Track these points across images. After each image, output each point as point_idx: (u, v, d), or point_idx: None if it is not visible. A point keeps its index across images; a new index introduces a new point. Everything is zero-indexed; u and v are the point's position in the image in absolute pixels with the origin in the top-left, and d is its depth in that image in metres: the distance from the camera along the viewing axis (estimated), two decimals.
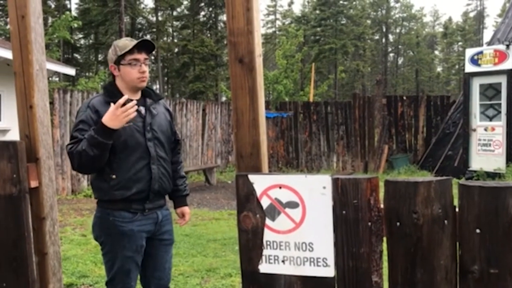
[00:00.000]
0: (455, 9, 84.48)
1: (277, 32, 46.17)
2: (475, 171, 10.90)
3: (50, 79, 16.13)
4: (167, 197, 2.78)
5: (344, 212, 1.60)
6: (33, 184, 1.98)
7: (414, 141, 13.84)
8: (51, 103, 9.77)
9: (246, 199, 1.66)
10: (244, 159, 1.71)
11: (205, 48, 25.28)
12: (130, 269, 2.55)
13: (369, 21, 40.72)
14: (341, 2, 38.30)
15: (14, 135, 8.81)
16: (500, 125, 10.68)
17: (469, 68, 11.27)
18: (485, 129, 11.01)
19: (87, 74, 30.72)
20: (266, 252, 1.68)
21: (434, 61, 50.13)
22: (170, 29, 35.44)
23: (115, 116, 2.27)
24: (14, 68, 2.06)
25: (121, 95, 2.44)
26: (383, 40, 47.98)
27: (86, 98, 10.24)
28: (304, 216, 1.63)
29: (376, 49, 45.25)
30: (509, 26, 12.84)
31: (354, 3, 39.85)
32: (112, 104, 2.32)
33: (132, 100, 2.37)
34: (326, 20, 36.12)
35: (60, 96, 9.76)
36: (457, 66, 47.11)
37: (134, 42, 2.52)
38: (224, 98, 27.48)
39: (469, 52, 11.53)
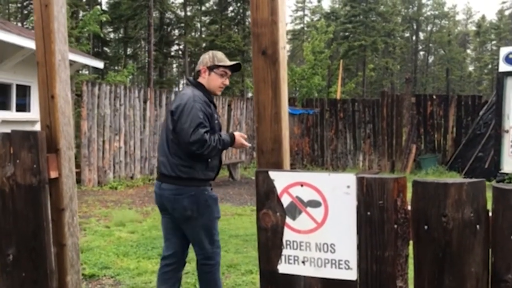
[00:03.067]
0: (489, 7, 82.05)
1: (305, 29, 45.86)
2: (506, 174, 10.56)
3: (80, 72, 16.40)
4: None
5: (368, 213, 1.52)
6: (53, 174, 1.96)
7: (443, 141, 13.50)
8: (80, 95, 9.92)
9: (266, 197, 1.60)
10: (265, 154, 1.65)
11: (232, 44, 25.22)
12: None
13: (399, 18, 39.94)
14: None
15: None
16: None
17: (503, 67, 10.89)
18: None
19: (115, 67, 31.14)
20: (285, 252, 1.62)
21: (465, 60, 48.89)
22: (198, 24, 35.58)
23: (241, 144, 3.12)
24: (37, 57, 2.04)
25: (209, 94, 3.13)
26: (414, 37, 47.04)
27: (113, 91, 10.36)
28: (326, 216, 1.56)
29: (406, 46, 44.43)
30: None
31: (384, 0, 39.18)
32: (210, 105, 3.05)
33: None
34: (356, 17, 35.56)
35: (89, 88, 9.89)
36: (490, 66, 45.79)
37: (231, 62, 3.17)
38: (250, 94, 27.47)
39: (504, 50, 11.14)
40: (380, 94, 14.71)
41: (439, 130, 13.49)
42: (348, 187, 1.54)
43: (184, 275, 3.62)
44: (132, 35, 29.72)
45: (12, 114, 9.05)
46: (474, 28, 50.83)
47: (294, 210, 1.57)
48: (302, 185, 1.56)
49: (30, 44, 7.71)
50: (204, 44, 30.44)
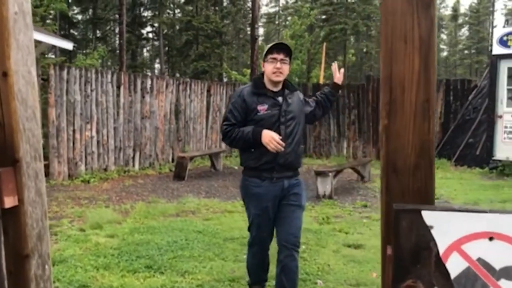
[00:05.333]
0: None
1: (281, 12, 44.88)
2: (500, 161, 10.21)
3: (46, 55, 15.21)
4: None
5: None
6: (9, 202, 1.22)
7: None
8: (46, 80, 8.95)
9: (413, 257, 0.92)
10: (401, 175, 0.99)
11: (210, 25, 24.03)
12: (259, 223, 3.27)
13: (376, 1, 39.37)
14: None
15: None
16: None
17: (497, 49, 10.47)
18: None
19: (84, 51, 29.54)
20: None
21: (439, 44, 48.92)
22: (172, 5, 34.10)
23: (269, 140, 3.04)
24: None
25: (265, 88, 3.25)
26: None
27: (84, 76, 9.44)
28: None
29: None
30: None
31: None
32: (257, 97, 3.21)
33: (283, 144, 3.07)
34: None
35: (56, 72, 8.94)
36: (466, 51, 46.01)
37: (269, 45, 3.26)
38: (226, 79, 26.56)
39: (498, 32, 10.70)
40: (366, 79, 14.17)
41: None
42: None
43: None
44: (102, 16, 28.11)
45: None
46: (447, 12, 50.96)
47: (472, 283, 0.89)
48: (491, 238, 0.88)
49: None
50: (178, 27, 29.14)
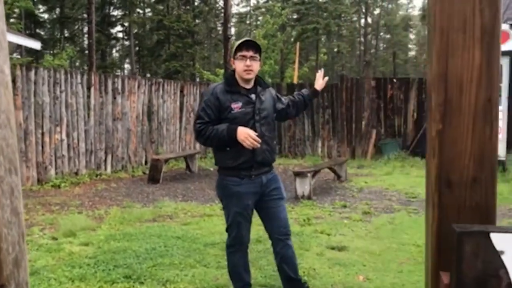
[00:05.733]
0: None
1: (252, 12, 44.75)
2: None
3: (10, 56, 14.66)
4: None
5: None
6: None
7: (403, 125, 13.22)
8: (13, 81, 8.56)
9: (478, 287, 0.81)
10: (457, 189, 0.86)
11: (181, 24, 23.61)
12: (240, 222, 3.25)
13: (347, 1, 39.73)
14: None
15: None
16: (500, 109, 10.06)
17: None
18: None
19: (52, 51, 28.66)
20: None
21: (409, 44, 49.73)
22: (142, 4, 33.44)
23: (245, 137, 3.02)
24: None
25: (238, 85, 3.23)
26: (362, 21, 47.11)
27: (52, 77, 9.09)
28: None
29: (355, 29, 44.40)
30: (505, 5, 12.28)
31: None
32: (230, 95, 3.18)
33: (259, 140, 3.07)
34: None
35: (23, 73, 8.58)
36: None
37: (238, 42, 3.23)
38: (198, 80, 26.25)
39: None
40: (339, 78, 14.22)
41: (400, 114, 13.20)
42: None
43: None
44: (70, 15, 27.30)
45: None
46: (415, 12, 51.86)
47: None
48: None
49: None
50: (148, 27, 28.54)
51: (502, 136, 9.99)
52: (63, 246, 4.89)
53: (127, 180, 9.65)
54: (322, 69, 3.80)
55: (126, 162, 10.70)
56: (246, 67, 3.15)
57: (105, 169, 10.17)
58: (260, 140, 3.07)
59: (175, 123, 12.51)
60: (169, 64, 23.57)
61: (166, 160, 10.06)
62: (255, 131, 3.12)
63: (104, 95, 10.23)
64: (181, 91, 12.84)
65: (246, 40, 3.23)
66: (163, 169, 9.56)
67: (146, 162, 11.05)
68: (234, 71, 3.27)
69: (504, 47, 10.00)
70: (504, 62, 9.99)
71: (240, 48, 3.17)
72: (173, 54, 23.95)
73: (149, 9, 32.34)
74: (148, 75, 30.79)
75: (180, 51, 23.79)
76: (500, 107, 10.08)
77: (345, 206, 6.90)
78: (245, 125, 3.11)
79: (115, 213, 6.42)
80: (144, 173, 10.34)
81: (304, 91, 3.69)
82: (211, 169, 11.30)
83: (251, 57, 3.16)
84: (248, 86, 3.26)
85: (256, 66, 3.20)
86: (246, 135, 3.02)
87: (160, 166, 9.38)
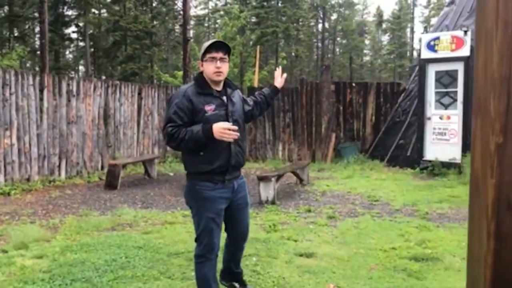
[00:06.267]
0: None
1: (211, 14, 44.41)
2: (430, 161, 10.60)
3: None
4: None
5: None
6: None
7: (362, 129, 13.40)
8: None
9: None
10: None
11: (139, 25, 22.97)
12: (212, 228, 3.15)
13: (305, 6, 40.10)
14: None
15: None
16: (455, 113, 10.42)
17: (425, 54, 10.88)
18: (441, 118, 10.71)
19: (0, 51, 27.27)
20: None
21: (364, 49, 50.87)
22: (98, 4, 32.38)
23: (222, 132, 2.94)
24: None
25: (209, 87, 3.15)
26: (320, 25, 47.70)
27: (1, 77, 8.58)
28: None
29: (313, 34, 44.84)
30: (457, 13, 12.68)
31: None
32: (203, 97, 3.10)
33: (236, 128, 3.01)
34: (268, 1, 34.79)
35: None
36: (389, 56, 48.21)
37: (208, 43, 3.14)
38: (156, 82, 25.71)
39: (426, 37, 11.14)
40: (299, 82, 14.26)
41: (359, 118, 13.37)
42: None
43: None
44: (20, 14, 26.04)
45: None
46: (370, 18, 53.20)
47: None
48: None
49: None
50: (103, 28, 27.66)
51: (457, 139, 10.28)
52: (14, 259, 4.55)
53: (82, 186, 9.24)
54: (280, 66, 3.85)
55: (81, 167, 10.26)
56: (217, 69, 3.10)
57: (59, 175, 9.70)
58: (237, 128, 3.03)
59: (133, 127, 12.14)
60: (126, 66, 22.92)
61: (124, 165, 9.71)
62: None
63: (58, 98, 9.77)
64: (139, 94, 12.48)
65: (216, 41, 3.17)
66: (121, 175, 9.21)
67: (102, 167, 10.63)
68: (201, 73, 3.21)
69: (459, 52, 10.32)
70: (459, 67, 10.30)
71: (209, 49, 3.12)
72: (130, 55, 23.30)
73: (105, 10, 31.44)
74: (104, 77, 29.83)
75: (138, 53, 23.19)
76: (455, 111, 10.39)
77: (309, 211, 6.84)
78: None
79: (71, 222, 6.08)
80: (100, 178, 9.94)
81: (265, 90, 3.71)
82: (171, 174, 11.02)
83: (221, 59, 3.12)
84: (219, 88, 3.21)
85: (225, 67, 3.17)
86: (222, 130, 2.96)
87: (118, 171, 9.03)
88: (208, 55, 3.12)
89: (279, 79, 3.69)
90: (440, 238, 5.25)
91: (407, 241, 5.16)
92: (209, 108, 3.10)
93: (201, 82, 3.18)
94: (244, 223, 3.42)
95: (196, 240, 3.26)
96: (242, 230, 3.43)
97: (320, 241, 5.21)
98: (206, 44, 3.17)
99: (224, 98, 3.20)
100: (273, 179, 7.40)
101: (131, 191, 8.72)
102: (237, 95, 3.36)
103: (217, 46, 3.14)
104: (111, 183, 8.98)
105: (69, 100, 9.97)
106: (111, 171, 9.09)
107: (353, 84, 13.76)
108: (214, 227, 3.17)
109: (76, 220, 6.23)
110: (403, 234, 5.45)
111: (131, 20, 23.35)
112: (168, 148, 13.49)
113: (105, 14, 29.46)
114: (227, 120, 3.11)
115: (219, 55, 3.12)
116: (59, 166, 9.76)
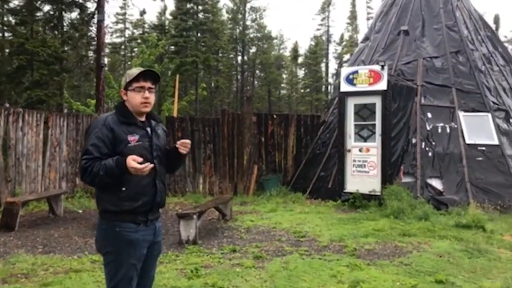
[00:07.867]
0: (300, 35, 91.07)
1: (127, 43, 43.22)
2: (351, 193, 10.60)
3: None
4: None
5: None
6: None
7: (284, 161, 13.29)
8: None
9: None
10: None
11: (47, 50, 21.44)
12: (132, 276, 2.84)
13: (226, 38, 40.44)
14: (201, 15, 37.19)
15: None
16: (374, 146, 10.58)
17: (344, 87, 11.05)
18: (360, 150, 10.83)
19: None
20: None
21: (281, 83, 52.32)
22: (1, 26, 30.00)
23: (137, 171, 2.64)
24: None
25: (133, 117, 2.91)
26: (239, 57, 48.29)
27: None
28: None
29: (233, 66, 45.20)
30: (373, 49, 13.18)
31: (214, 17, 38.86)
32: (126, 126, 2.84)
33: (151, 164, 2.70)
34: (188, 31, 34.49)
35: None
36: (305, 89, 49.92)
37: (137, 71, 2.90)
38: (66, 110, 24.11)
39: (345, 71, 11.34)
40: (221, 113, 13.93)
41: (280, 149, 13.26)
42: None
43: None
44: None
45: None
46: (286, 53, 55.07)
47: None
48: None
49: None
50: (10, 49, 25.55)
51: (376, 171, 10.41)
52: None
53: None
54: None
55: None
56: (144, 99, 2.88)
57: None
58: (152, 166, 2.72)
59: (37, 159, 10.97)
60: (32, 92, 21.20)
61: (25, 203, 8.61)
62: (154, 168, 2.77)
63: None
64: (46, 123, 11.38)
65: (145, 70, 2.93)
66: (20, 213, 8.12)
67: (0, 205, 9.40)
68: (123, 102, 2.96)
69: (376, 86, 10.57)
70: (377, 100, 10.54)
71: (137, 78, 2.87)
72: (37, 81, 21.59)
73: (9, 33, 29.20)
74: (8, 104, 27.46)
75: (46, 79, 21.56)
76: (374, 144, 10.55)
77: (234, 251, 6.34)
78: (143, 162, 2.70)
79: None
80: None
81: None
82: (80, 211, 10.01)
83: (149, 89, 2.91)
84: (142, 119, 2.96)
85: (153, 98, 2.94)
86: (133, 163, 2.63)
87: (16, 210, 7.95)
88: (135, 84, 2.87)
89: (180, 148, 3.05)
90: (373, 277, 4.99)
91: (340, 283, 4.84)
92: (133, 139, 2.83)
93: (124, 111, 2.91)
94: (151, 275, 3.06)
95: None
96: (148, 281, 3.03)
97: (248, 287, 4.72)
98: (133, 72, 2.92)
99: (148, 129, 2.94)
100: (194, 216, 6.82)
101: (32, 233, 7.67)
102: (161, 129, 3.08)
103: (146, 75, 2.90)
104: (7, 223, 7.87)
105: None
106: (8, 209, 7.98)
107: (275, 116, 13.69)
108: (134, 276, 2.84)
109: None
110: (335, 274, 5.13)
111: (38, 44, 21.81)
112: (78, 181, 12.46)
113: (10, 37, 27.43)
114: (151, 153, 2.87)
115: (148, 84, 2.90)
116: None
